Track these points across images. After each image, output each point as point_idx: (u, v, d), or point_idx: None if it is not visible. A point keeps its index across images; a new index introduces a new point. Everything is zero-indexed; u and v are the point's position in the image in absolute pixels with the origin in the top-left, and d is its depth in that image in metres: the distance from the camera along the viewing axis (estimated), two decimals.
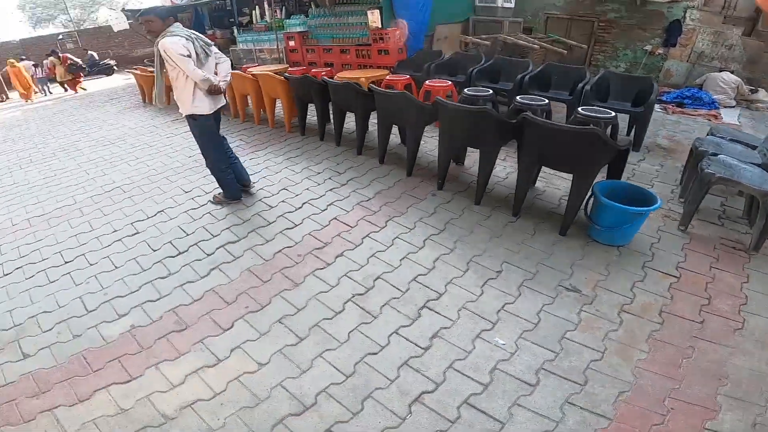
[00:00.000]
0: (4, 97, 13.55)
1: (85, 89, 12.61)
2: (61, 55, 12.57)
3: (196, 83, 3.11)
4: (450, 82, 4.89)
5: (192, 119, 3.29)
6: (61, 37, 17.92)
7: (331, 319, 2.45)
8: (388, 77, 5.33)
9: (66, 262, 3.22)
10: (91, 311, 2.69)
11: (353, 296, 2.61)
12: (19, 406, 2.09)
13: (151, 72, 8.38)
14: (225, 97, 3.52)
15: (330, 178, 4.08)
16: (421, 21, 6.48)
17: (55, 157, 5.90)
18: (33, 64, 13.06)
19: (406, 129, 3.97)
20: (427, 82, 4.93)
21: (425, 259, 2.88)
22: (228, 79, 3.35)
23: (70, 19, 28.86)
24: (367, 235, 3.17)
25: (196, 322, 2.51)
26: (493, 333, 2.27)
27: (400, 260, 2.89)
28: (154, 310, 2.64)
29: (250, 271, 2.90)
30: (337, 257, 2.97)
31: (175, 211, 3.81)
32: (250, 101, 6.22)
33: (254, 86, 5.74)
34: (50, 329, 2.59)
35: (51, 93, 13.14)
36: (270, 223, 3.43)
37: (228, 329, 2.43)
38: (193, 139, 3.52)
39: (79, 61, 13.02)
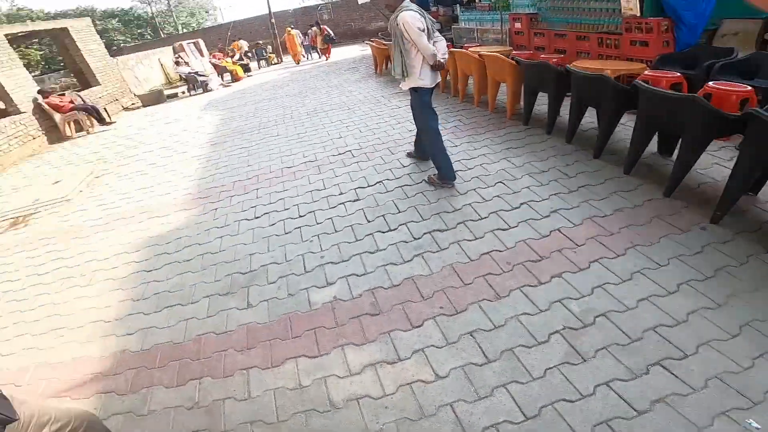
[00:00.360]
0: (280, 60, 17.01)
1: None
2: (321, 26, 14.83)
3: (424, 57, 3.27)
4: (750, 87, 3.56)
5: (415, 92, 3.50)
6: (320, 8, 21.17)
7: (529, 348, 2.09)
8: (646, 72, 4.27)
9: (300, 216, 3.69)
10: (308, 272, 2.97)
11: (564, 328, 2.16)
12: (226, 358, 2.39)
13: (385, 45, 9.01)
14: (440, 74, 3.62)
15: (556, 180, 3.52)
16: (701, 12, 5.03)
17: (307, 116, 6.97)
18: (303, 33, 15.92)
19: (682, 140, 3.04)
20: (710, 83, 3.70)
21: (675, 308, 2.17)
22: (446, 57, 3.44)
23: None
24: (596, 260, 2.59)
25: (390, 309, 2.49)
26: (748, 414, 1.66)
27: (638, 301, 2.25)
28: (356, 285, 2.74)
29: (452, 268, 2.73)
30: (553, 277, 2.52)
31: (392, 183, 3.93)
32: (470, 82, 5.99)
33: (479, 67, 5.44)
34: (274, 282, 2.94)
35: (312, 58, 15.81)
36: (481, 218, 3.18)
37: (417, 327, 2.33)
38: (412, 116, 3.78)
39: (332, 33, 15.13)
